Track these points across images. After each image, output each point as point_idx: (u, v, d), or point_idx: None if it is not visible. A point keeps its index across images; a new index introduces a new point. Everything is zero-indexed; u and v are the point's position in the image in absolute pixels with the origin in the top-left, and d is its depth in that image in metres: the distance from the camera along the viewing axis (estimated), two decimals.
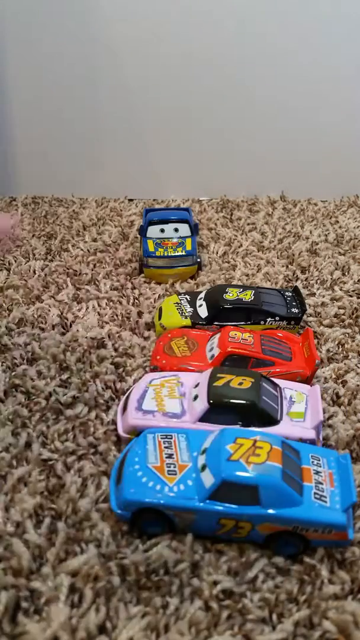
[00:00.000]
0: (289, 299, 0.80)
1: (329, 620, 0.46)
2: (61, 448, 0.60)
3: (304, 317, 0.81)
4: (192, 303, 0.80)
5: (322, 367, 0.73)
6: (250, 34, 1.09)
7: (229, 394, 0.58)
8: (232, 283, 0.91)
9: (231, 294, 0.78)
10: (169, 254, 0.91)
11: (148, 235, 0.94)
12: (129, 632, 0.44)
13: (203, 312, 0.78)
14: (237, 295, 0.77)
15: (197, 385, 0.61)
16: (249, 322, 0.76)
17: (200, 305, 0.79)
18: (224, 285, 0.80)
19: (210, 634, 0.44)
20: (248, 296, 0.77)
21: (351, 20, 1.07)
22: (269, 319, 0.77)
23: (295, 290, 0.82)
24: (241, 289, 0.79)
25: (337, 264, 0.96)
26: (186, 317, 0.77)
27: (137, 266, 0.95)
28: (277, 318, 0.77)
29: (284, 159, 1.20)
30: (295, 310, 0.78)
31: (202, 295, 0.81)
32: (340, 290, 0.89)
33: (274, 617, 0.46)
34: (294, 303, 0.79)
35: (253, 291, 0.79)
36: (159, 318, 0.78)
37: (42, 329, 0.79)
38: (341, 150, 1.19)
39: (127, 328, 0.80)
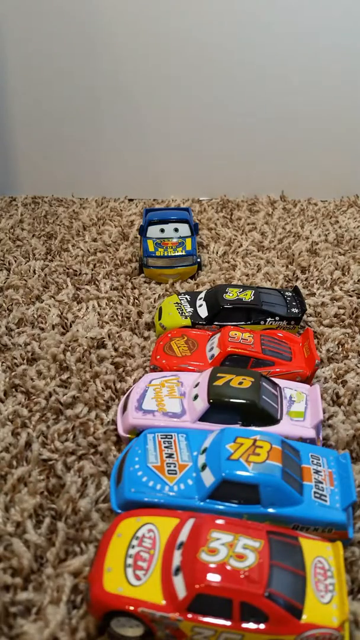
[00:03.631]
0: (289, 299, 0.80)
1: None
2: (61, 448, 0.60)
3: (304, 317, 0.81)
4: (192, 303, 0.80)
5: (322, 367, 0.73)
6: (251, 34, 1.09)
7: (229, 394, 0.58)
8: (232, 283, 0.91)
9: (231, 294, 0.78)
10: (169, 254, 0.91)
11: (148, 235, 0.94)
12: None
13: (203, 312, 0.78)
14: (237, 295, 0.77)
15: (197, 385, 0.61)
16: (249, 322, 0.76)
17: (200, 305, 0.79)
18: (224, 285, 0.80)
19: None
20: (248, 296, 0.77)
21: (351, 20, 1.07)
22: (269, 319, 0.77)
23: (295, 290, 0.82)
24: (241, 289, 0.79)
25: (337, 264, 0.96)
26: (186, 317, 0.77)
27: (137, 266, 0.95)
28: (277, 318, 0.77)
29: (284, 159, 1.21)
30: (295, 310, 0.78)
31: (202, 295, 0.81)
32: (340, 290, 0.89)
33: None
34: (294, 303, 0.79)
35: (253, 291, 0.79)
36: (159, 318, 0.78)
37: (42, 329, 0.79)
38: (341, 150, 1.19)
39: (127, 328, 0.80)
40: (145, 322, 0.81)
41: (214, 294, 0.79)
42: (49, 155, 1.21)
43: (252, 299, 0.77)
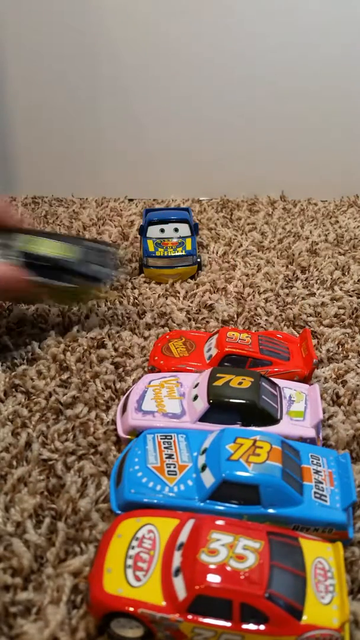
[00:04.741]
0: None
1: None
2: (61, 448, 0.60)
3: (304, 317, 0.81)
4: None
5: (322, 367, 0.73)
6: (251, 34, 1.09)
7: (228, 394, 0.58)
8: (231, 284, 0.91)
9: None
10: (169, 254, 0.91)
11: (148, 235, 0.94)
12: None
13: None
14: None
15: (196, 386, 0.61)
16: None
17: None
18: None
19: None
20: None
21: (350, 21, 1.07)
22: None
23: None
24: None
25: (337, 264, 0.96)
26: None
27: (137, 266, 0.95)
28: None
29: (284, 159, 1.21)
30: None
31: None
32: (340, 290, 0.89)
33: None
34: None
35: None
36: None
37: (42, 329, 0.79)
38: (341, 150, 1.20)
39: (127, 328, 0.80)
40: (145, 322, 0.81)
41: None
42: (49, 155, 1.21)
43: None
